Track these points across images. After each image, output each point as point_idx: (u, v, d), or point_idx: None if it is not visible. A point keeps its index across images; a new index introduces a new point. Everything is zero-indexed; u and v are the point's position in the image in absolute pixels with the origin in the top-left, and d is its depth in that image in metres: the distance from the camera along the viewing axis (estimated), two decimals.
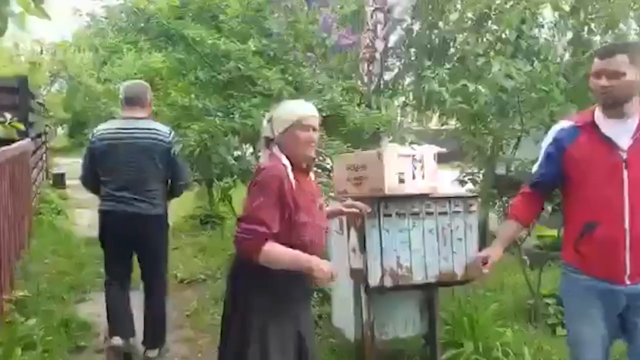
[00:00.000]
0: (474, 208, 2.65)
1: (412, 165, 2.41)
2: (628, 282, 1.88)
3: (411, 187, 2.44)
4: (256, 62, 3.97)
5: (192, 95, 3.67)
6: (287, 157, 1.92)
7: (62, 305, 3.89)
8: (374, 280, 2.47)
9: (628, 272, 1.86)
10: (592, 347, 1.96)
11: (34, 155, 7.37)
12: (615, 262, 1.87)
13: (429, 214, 2.57)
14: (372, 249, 2.47)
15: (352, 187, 2.53)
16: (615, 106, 1.87)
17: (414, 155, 2.41)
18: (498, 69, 3.04)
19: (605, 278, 1.91)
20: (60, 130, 21.72)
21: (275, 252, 1.82)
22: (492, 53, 3.54)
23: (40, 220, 6.39)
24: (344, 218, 2.67)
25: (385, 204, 2.50)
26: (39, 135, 8.31)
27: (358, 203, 2.31)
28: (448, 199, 2.59)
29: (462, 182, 2.55)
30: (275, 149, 1.95)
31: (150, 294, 3.17)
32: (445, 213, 2.60)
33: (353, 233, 2.59)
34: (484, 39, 3.92)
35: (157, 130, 3.06)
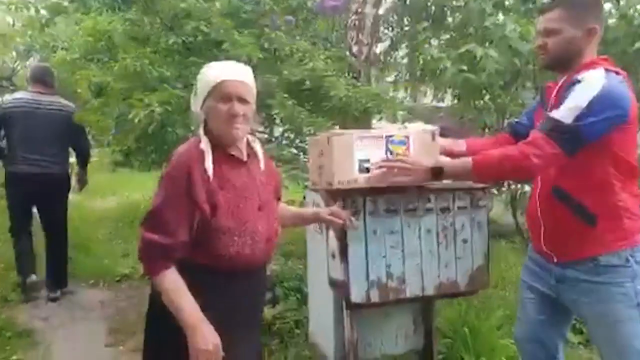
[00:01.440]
0: (483, 202, 2.13)
1: (386, 149, 1.87)
2: (555, 260, 1.75)
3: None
4: (224, 24, 3.39)
5: (146, 61, 3.08)
6: (211, 139, 1.44)
7: (4, 307, 3.41)
8: (357, 295, 1.95)
9: (544, 248, 1.76)
10: (520, 322, 1.95)
11: None
12: (536, 234, 1.79)
13: (428, 210, 2.04)
14: (355, 256, 1.95)
15: (317, 178, 2.01)
16: (555, 68, 1.72)
17: (390, 137, 1.87)
18: (512, 28, 2.47)
19: (537, 252, 1.83)
20: None
21: (169, 287, 1.36)
22: (500, 15, 2.96)
23: None
24: None
25: (372, 198, 1.97)
26: None
27: (342, 212, 1.85)
28: (451, 191, 2.07)
29: None
30: (200, 129, 1.46)
31: (52, 242, 3.69)
32: (447, 209, 2.07)
33: (332, 235, 2.06)
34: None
35: (62, 103, 3.64)
